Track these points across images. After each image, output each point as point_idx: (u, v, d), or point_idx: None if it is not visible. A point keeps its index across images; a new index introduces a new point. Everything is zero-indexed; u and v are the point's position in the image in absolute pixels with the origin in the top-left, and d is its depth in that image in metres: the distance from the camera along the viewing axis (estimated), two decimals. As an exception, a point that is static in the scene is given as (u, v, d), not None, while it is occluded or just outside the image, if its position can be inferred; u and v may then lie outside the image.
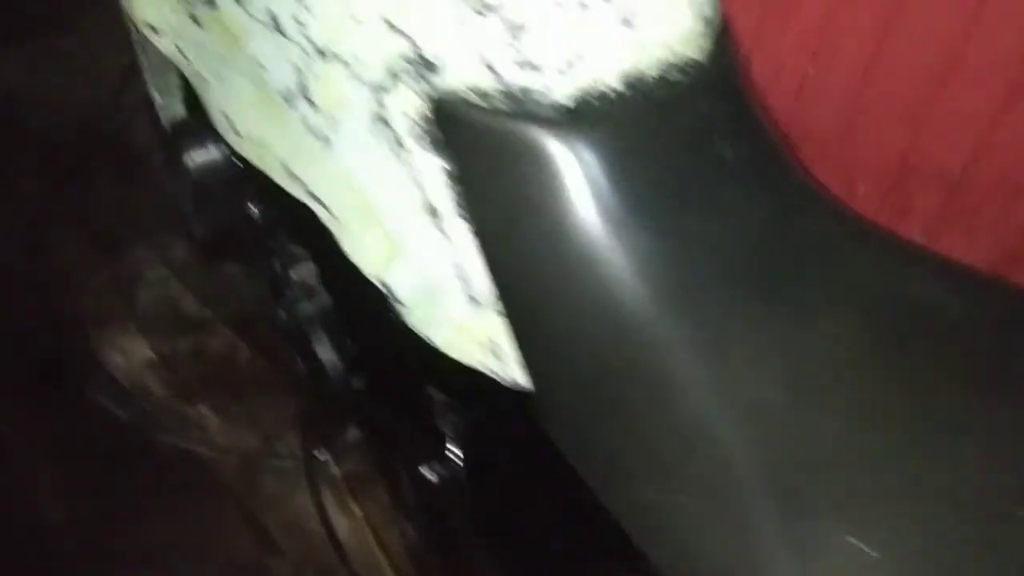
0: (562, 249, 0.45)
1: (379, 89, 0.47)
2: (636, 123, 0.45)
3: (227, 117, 0.56)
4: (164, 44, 0.58)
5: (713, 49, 0.47)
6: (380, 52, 0.46)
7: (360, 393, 0.71)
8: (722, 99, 0.48)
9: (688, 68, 0.46)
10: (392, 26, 0.45)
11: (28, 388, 1.07)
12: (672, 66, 0.46)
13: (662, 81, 0.46)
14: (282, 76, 0.51)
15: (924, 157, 0.93)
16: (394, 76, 0.46)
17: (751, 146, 0.48)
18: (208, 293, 1.18)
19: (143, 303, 1.17)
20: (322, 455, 0.88)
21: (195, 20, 0.54)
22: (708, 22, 0.47)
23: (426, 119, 0.46)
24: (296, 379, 0.97)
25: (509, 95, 0.44)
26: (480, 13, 0.43)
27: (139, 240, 1.22)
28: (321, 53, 0.48)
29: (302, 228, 0.62)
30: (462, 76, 0.44)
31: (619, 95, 0.45)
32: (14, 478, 1.01)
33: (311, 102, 0.49)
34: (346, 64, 0.47)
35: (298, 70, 0.49)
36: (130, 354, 1.11)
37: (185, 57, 0.57)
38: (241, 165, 0.62)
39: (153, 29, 0.57)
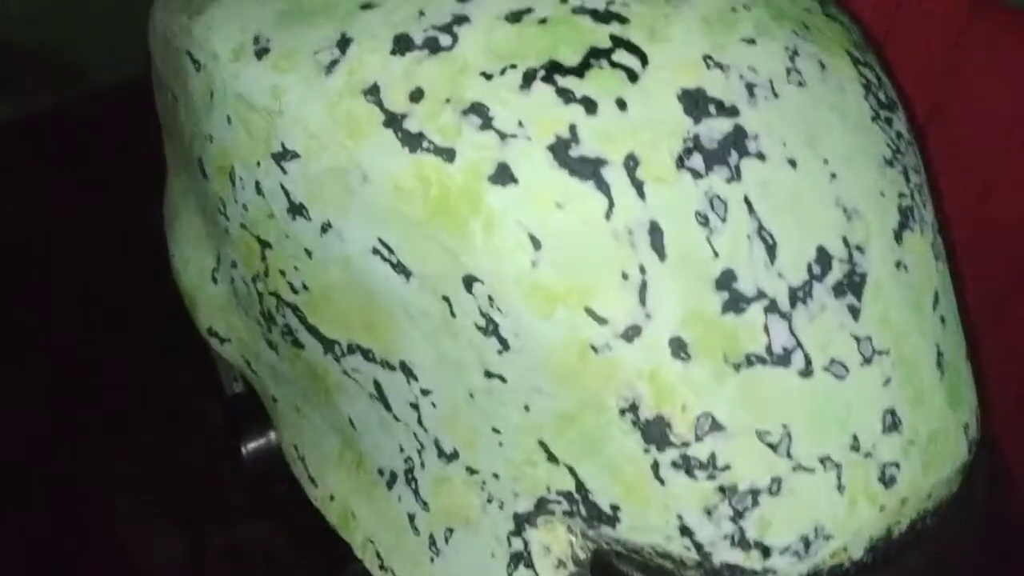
0: None
1: (520, 519, 0.34)
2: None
3: (301, 458, 0.44)
4: (229, 352, 0.45)
5: (969, 465, 0.34)
6: (530, 480, 0.33)
7: None
8: (981, 529, 0.35)
9: (943, 506, 0.33)
10: (550, 454, 0.32)
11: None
12: (926, 512, 0.33)
13: (912, 533, 0.33)
14: (383, 453, 0.38)
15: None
16: (545, 509, 0.33)
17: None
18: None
19: (174, 484, 1.05)
20: None
21: (272, 346, 0.42)
22: (973, 442, 0.34)
23: (581, 565, 0.33)
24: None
25: (710, 571, 0.31)
26: (685, 471, 0.30)
27: (176, 408, 1.10)
28: (442, 452, 0.35)
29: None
30: (645, 537, 0.31)
31: (856, 564, 0.32)
32: None
33: (420, 499, 0.37)
34: (478, 477, 0.34)
35: (407, 457, 0.37)
36: (157, 549, 0.98)
37: (254, 372, 0.45)
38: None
39: (217, 336, 0.45)
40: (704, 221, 0.29)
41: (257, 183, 0.36)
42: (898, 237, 0.32)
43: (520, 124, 0.30)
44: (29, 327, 1.15)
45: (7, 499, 0.96)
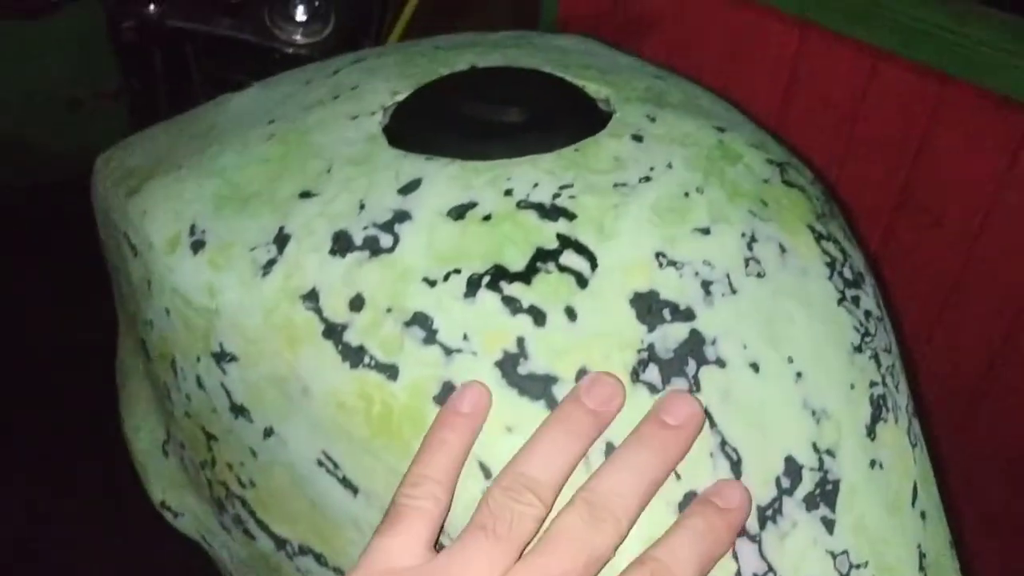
0: None
1: None
2: None
3: (263, 639, 0.41)
4: (184, 526, 0.43)
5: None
6: None
7: None
8: None
9: None
10: None
11: None
12: None
13: None
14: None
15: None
16: None
17: None
18: None
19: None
20: None
21: (225, 529, 0.39)
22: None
23: None
24: None
25: None
26: None
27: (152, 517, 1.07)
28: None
29: None
30: None
31: None
32: None
33: None
34: None
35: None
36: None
37: (208, 545, 0.43)
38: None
39: (170, 510, 0.43)
40: (663, 441, 0.27)
41: (198, 377, 0.34)
42: (871, 432, 0.30)
43: (465, 337, 0.28)
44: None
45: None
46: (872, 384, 0.31)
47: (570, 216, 0.30)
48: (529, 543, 0.25)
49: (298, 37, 0.49)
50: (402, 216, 0.31)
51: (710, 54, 0.74)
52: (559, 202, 0.30)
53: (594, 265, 0.29)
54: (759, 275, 0.30)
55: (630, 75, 0.39)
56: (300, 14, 0.49)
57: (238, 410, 0.33)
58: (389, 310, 0.29)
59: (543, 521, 0.25)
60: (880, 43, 0.64)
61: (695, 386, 0.28)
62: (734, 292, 0.29)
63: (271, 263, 0.32)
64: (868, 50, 0.64)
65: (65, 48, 0.64)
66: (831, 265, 0.32)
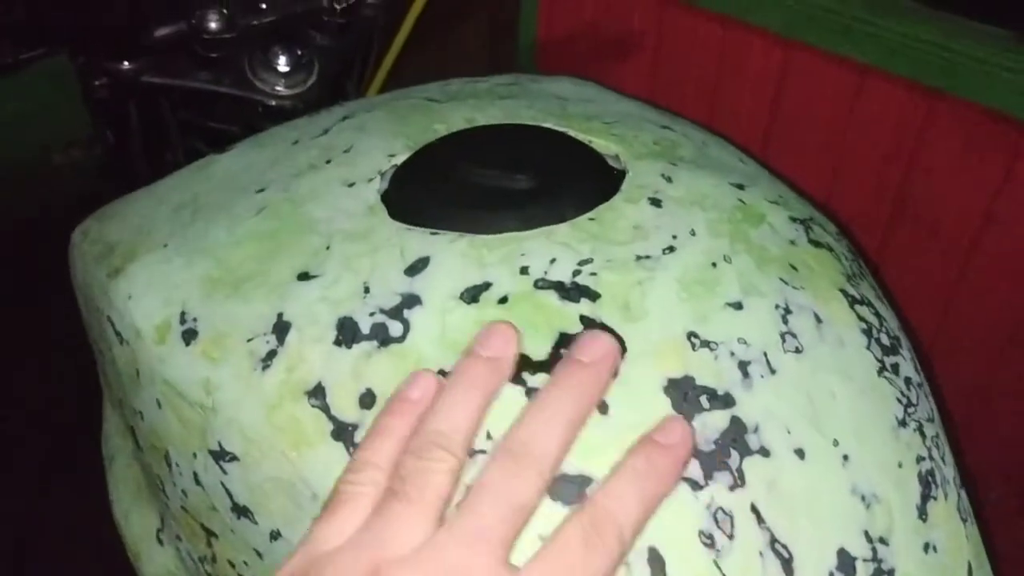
0: None
1: None
2: None
3: None
4: (180, 611, 0.40)
5: None
6: None
7: None
8: None
9: None
10: None
11: None
12: None
13: None
14: None
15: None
16: None
17: None
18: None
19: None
20: None
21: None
22: None
23: None
24: None
25: None
26: None
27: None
28: None
29: None
30: None
31: None
32: None
33: None
34: None
35: None
36: None
37: (212, 637, 0.40)
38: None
39: (164, 594, 0.40)
40: (710, 542, 0.25)
41: (196, 474, 0.31)
42: (922, 513, 0.28)
43: (488, 436, 0.26)
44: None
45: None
46: (919, 459, 0.28)
47: (593, 296, 0.28)
48: (450, 498, 0.25)
49: (280, 88, 0.47)
50: (411, 300, 0.28)
51: (694, 73, 0.72)
52: (580, 280, 0.28)
53: (623, 350, 0.27)
54: (797, 350, 0.28)
55: (637, 126, 0.36)
56: (282, 64, 0.46)
57: (240, 511, 0.30)
58: (403, 407, 0.27)
59: (457, 473, 0.25)
60: (866, 59, 0.62)
61: (740, 480, 0.26)
62: (773, 372, 0.27)
63: (271, 355, 0.29)
64: (854, 66, 0.63)
65: (34, 99, 0.61)
66: (868, 332, 0.30)
